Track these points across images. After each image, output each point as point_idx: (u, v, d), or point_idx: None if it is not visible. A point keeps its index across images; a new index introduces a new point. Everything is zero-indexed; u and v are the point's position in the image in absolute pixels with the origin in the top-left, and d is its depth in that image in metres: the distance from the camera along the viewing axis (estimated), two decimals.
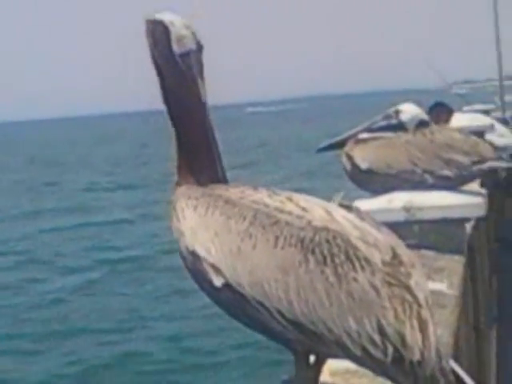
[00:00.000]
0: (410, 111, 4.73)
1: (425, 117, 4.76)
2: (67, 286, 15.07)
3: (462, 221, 4.14)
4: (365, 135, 4.76)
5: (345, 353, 1.87)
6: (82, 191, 31.20)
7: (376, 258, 1.92)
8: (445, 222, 4.09)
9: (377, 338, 1.83)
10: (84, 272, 16.28)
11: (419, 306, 1.88)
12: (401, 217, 4.16)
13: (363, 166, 4.60)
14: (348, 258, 1.89)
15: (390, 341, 1.83)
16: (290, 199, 2.05)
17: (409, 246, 3.97)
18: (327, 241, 1.91)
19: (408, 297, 1.88)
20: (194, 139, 2.20)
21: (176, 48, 2.21)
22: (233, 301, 1.97)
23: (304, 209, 2.00)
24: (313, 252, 1.89)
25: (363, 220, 2.04)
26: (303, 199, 2.06)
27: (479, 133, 8.88)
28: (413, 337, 1.83)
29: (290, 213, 1.99)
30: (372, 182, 4.57)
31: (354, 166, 4.65)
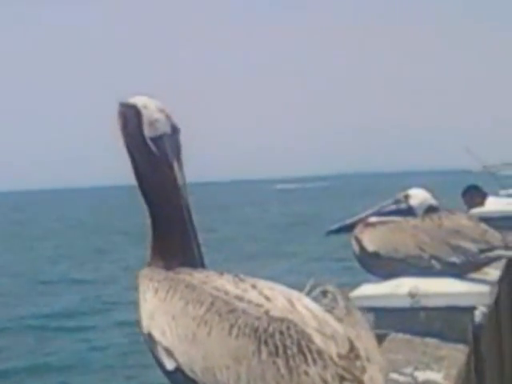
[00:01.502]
0: (419, 196, 4.73)
1: (434, 202, 4.75)
2: None
3: (467, 309, 4.08)
4: (374, 219, 4.76)
5: None
6: None
7: (332, 350, 1.91)
8: (450, 309, 4.03)
9: None
10: None
11: None
12: (406, 303, 4.11)
13: (370, 249, 4.58)
14: (300, 350, 1.88)
15: None
16: (254, 286, 2.05)
17: (414, 333, 3.99)
18: (281, 332, 1.90)
19: None
20: (167, 222, 2.21)
21: (148, 132, 2.21)
22: None
23: (266, 297, 2.00)
24: (266, 342, 1.88)
25: (332, 308, 2.04)
26: (268, 287, 2.06)
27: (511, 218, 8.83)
28: None
29: (249, 301, 1.99)
30: (379, 265, 4.54)
31: (362, 249, 4.64)
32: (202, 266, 2.19)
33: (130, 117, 2.23)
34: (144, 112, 2.22)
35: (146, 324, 2.07)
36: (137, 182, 2.25)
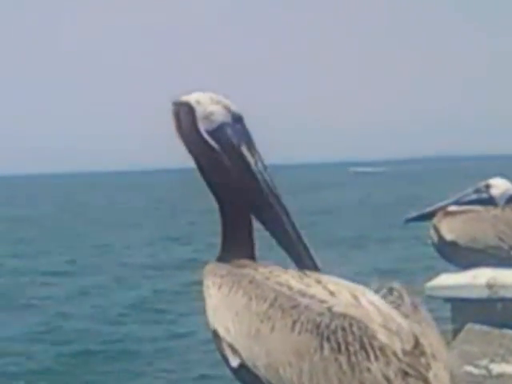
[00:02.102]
0: (500, 186, 4.66)
1: None
2: None
3: None
4: (454, 208, 4.71)
5: None
6: None
7: (396, 346, 1.90)
8: None
9: None
10: None
11: None
12: (484, 294, 4.09)
13: (449, 238, 4.54)
14: (362, 346, 1.87)
15: None
16: (319, 281, 2.04)
17: (491, 325, 3.96)
18: (343, 328, 1.90)
19: None
20: (236, 215, 2.20)
21: (204, 126, 2.18)
22: (249, 381, 1.99)
23: (331, 292, 2.00)
24: (328, 339, 1.89)
25: (398, 305, 2.03)
26: (333, 282, 2.05)
27: None
28: None
29: (312, 296, 1.98)
30: (457, 254, 4.51)
31: (441, 237, 4.60)
32: (314, 265, 2.17)
33: (184, 115, 2.19)
34: (197, 107, 2.18)
35: (211, 320, 2.09)
36: (202, 177, 2.22)
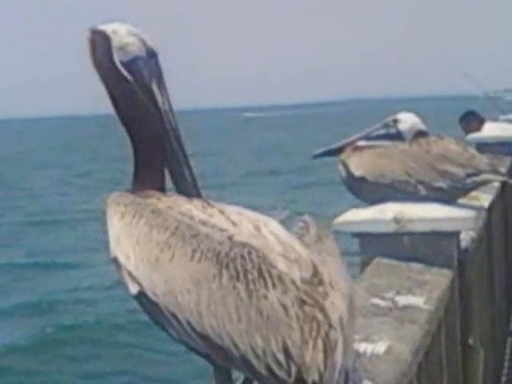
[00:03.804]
0: (408, 121, 4.66)
1: (423, 127, 4.69)
2: None
3: (452, 234, 4.06)
4: (362, 143, 4.70)
5: (250, 371, 1.85)
6: None
7: (295, 274, 1.90)
8: (435, 234, 4.01)
9: (281, 357, 1.80)
10: None
11: (330, 326, 1.85)
12: (391, 228, 4.09)
13: (357, 173, 4.54)
14: (261, 274, 1.87)
15: (294, 361, 1.80)
16: (222, 212, 2.05)
17: (398, 258, 3.98)
18: (242, 257, 1.89)
19: (319, 317, 1.85)
20: (147, 149, 2.19)
21: (118, 57, 2.18)
22: (148, 309, 1.99)
23: (233, 222, 2.00)
24: (227, 267, 1.88)
25: (301, 236, 2.04)
26: (236, 212, 2.05)
27: (508, 143, 8.79)
28: (313, 358, 1.80)
29: (213, 226, 1.99)
30: (365, 190, 4.51)
31: (349, 173, 4.59)
32: (197, 191, 2.19)
33: (99, 43, 2.19)
34: (113, 37, 2.18)
35: (113, 248, 2.09)
36: (114, 110, 2.22)
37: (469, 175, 4.38)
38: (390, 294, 3.36)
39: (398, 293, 3.40)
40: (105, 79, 2.21)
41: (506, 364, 7.06)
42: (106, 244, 2.15)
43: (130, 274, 2.00)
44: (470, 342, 4.23)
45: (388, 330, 2.88)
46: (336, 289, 1.92)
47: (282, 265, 1.90)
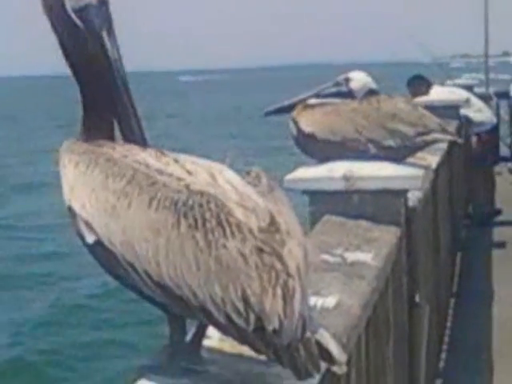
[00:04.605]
0: (359, 79, 4.68)
1: (374, 86, 4.70)
2: None
3: (401, 192, 4.09)
4: (313, 101, 4.70)
5: (209, 320, 1.84)
6: None
7: (252, 223, 1.88)
8: (384, 192, 4.03)
9: (240, 306, 1.79)
10: None
11: (288, 274, 1.84)
12: (341, 186, 4.09)
13: (307, 131, 4.54)
14: (219, 223, 1.85)
15: (253, 309, 1.79)
16: (176, 161, 2.02)
17: (348, 216, 3.99)
18: (200, 205, 1.87)
19: (277, 265, 1.83)
20: (96, 97, 2.15)
21: (69, 3, 2.13)
22: (105, 259, 1.95)
23: (188, 171, 1.97)
24: (185, 216, 1.86)
25: (255, 186, 2.02)
26: (190, 161, 2.03)
27: (455, 107, 8.90)
28: (273, 306, 1.79)
29: (170, 175, 1.96)
30: (315, 148, 4.52)
31: (299, 130, 4.60)
32: (144, 141, 2.15)
33: None
34: None
35: (67, 197, 2.05)
36: (64, 58, 2.17)
37: (419, 134, 4.41)
38: (338, 251, 3.37)
39: (347, 249, 3.42)
40: (56, 27, 2.16)
41: (449, 325, 7.21)
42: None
43: (86, 222, 1.97)
44: (417, 299, 4.29)
45: (337, 285, 2.90)
46: (292, 237, 1.91)
47: (239, 214, 1.88)
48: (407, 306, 4.19)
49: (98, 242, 1.95)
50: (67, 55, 2.18)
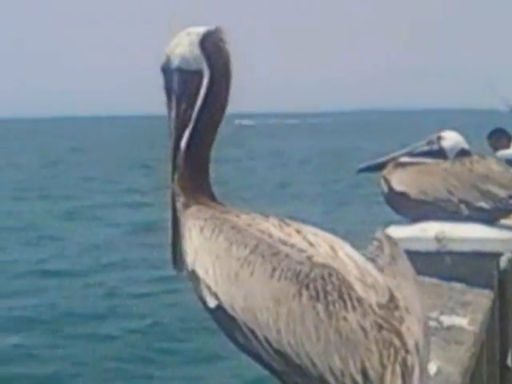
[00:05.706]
0: (452, 139, 4.67)
1: (466, 146, 4.70)
2: None
3: (493, 255, 4.08)
4: (405, 159, 4.72)
5: None
6: None
7: (372, 299, 1.91)
8: (476, 255, 4.03)
9: (359, 379, 1.82)
10: None
11: (406, 351, 1.86)
12: (433, 247, 4.11)
13: (398, 189, 4.55)
14: (341, 296, 1.89)
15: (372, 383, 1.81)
16: (299, 231, 2.05)
17: (440, 277, 3.98)
18: (322, 277, 1.91)
19: (396, 342, 1.86)
20: (203, 158, 2.23)
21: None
22: (226, 324, 2.00)
23: (310, 243, 2.01)
24: (307, 287, 1.90)
25: (376, 256, 2.06)
26: (312, 233, 2.06)
27: None
28: (392, 382, 1.80)
29: (292, 245, 2.00)
30: (406, 206, 4.52)
31: (390, 189, 4.61)
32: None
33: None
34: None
35: (191, 261, 2.10)
36: (201, 105, 2.21)
37: (511, 196, 4.38)
38: (434, 314, 3.38)
39: (442, 313, 3.42)
40: (219, 72, 2.20)
41: None
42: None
43: (208, 288, 2.02)
44: (509, 363, 4.23)
45: (436, 350, 2.90)
46: (411, 313, 1.92)
47: (359, 288, 1.91)
48: (498, 369, 4.15)
49: (220, 307, 2.00)
50: (210, 103, 2.22)
